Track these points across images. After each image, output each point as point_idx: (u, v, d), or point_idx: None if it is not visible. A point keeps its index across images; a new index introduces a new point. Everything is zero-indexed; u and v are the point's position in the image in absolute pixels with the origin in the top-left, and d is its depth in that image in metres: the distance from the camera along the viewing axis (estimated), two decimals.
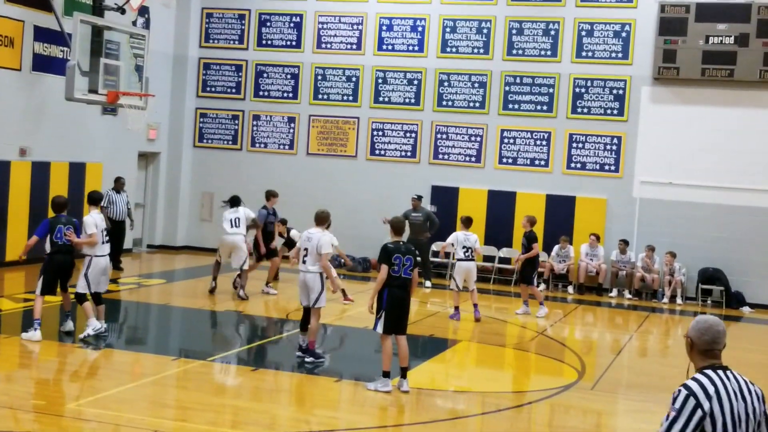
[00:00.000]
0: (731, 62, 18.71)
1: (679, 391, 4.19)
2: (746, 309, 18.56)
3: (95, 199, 12.12)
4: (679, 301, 18.77)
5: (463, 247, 15.15)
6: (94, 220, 11.69)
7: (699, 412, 4.09)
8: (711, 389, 4.13)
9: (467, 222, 15.44)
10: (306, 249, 11.01)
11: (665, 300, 18.76)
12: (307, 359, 10.96)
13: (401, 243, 10.13)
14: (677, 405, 4.13)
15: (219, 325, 13.65)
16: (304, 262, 11.00)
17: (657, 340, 15.62)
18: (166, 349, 12.22)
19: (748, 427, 4.16)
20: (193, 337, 13.28)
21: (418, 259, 10.27)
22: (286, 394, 10.18)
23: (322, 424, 8.79)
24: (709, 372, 4.21)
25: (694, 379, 4.21)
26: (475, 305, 15.14)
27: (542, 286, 19.42)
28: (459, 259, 15.28)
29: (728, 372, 4.25)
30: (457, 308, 15.12)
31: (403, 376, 9.94)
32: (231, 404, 9.33)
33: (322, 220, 11.37)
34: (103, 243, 11.74)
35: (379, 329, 9.89)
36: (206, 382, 10.20)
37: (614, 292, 19.25)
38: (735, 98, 19.01)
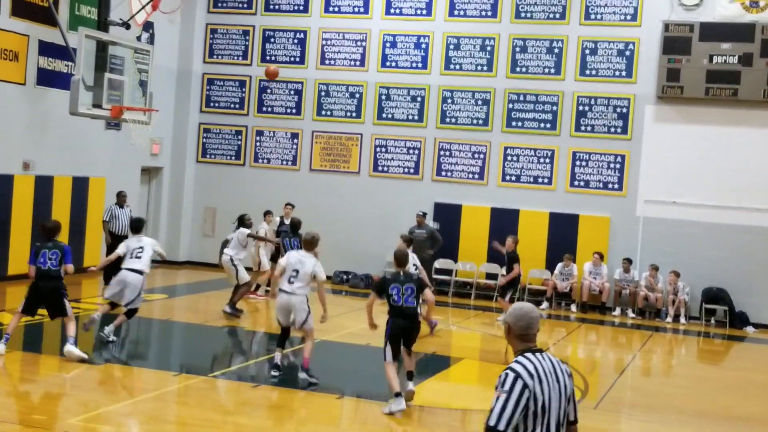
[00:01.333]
0: (735, 82, 18.71)
1: (506, 374, 4.49)
2: (750, 329, 18.49)
3: (137, 228, 13.01)
4: (682, 320, 18.69)
5: None
6: (125, 243, 12.73)
7: (526, 392, 4.43)
8: (532, 370, 4.49)
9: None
10: (296, 271, 10.83)
11: (669, 319, 18.69)
12: (301, 376, 10.82)
13: (400, 273, 10.24)
14: (506, 387, 4.44)
15: (220, 341, 13.59)
16: (290, 282, 10.83)
17: (660, 360, 15.54)
18: (167, 364, 12.17)
19: (560, 403, 4.55)
20: (195, 352, 13.23)
21: (422, 282, 10.40)
22: (288, 411, 10.12)
23: None
24: (528, 355, 4.56)
25: (517, 362, 4.55)
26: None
27: (545, 305, 19.39)
28: None
29: (543, 354, 4.61)
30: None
31: (409, 378, 10.05)
32: (232, 421, 9.27)
33: (314, 244, 11.13)
34: (131, 258, 12.27)
35: (387, 357, 9.90)
36: (207, 398, 10.14)
37: (617, 311, 19.18)
38: (739, 117, 19.00)
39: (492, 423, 4.38)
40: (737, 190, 18.96)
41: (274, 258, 17.43)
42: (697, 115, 19.26)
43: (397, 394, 9.74)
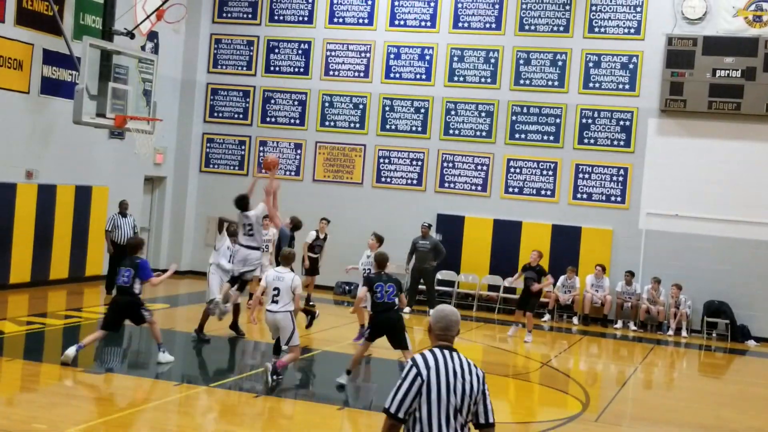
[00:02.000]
0: (738, 96, 18.73)
1: (407, 363, 4.92)
2: (751, 342, 18.46)
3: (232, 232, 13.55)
4: (684, 333, 18.67)
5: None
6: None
7: (418, 380, 4.79)
8: (431, 362, 4.84)
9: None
10: (278, 288, 11.10)
11: (670, 332, 18.66)
12: (268, 367, 10.95)
13: (383, 274, 11.42)
14: (403, 374, 4.85)
15: (222, 351, 13.58)
16: (275, 302, 11.06)
17: (662, 373, 15.51)
18: (168, 374, 12.15)
19: (464, 401, 4.82)
20: (196, 362, 13.22)
21: (403, 284, 11.93)
22: (289, 421, 10.10)
23: None
24: (435, 350, 4.93)
25: (421, 353, 4.93)
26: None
27: (546, 317, 19.37)
28: None
29: (453, 353, 4.93)
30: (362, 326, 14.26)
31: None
32: (233, 431, 9.26)
33: (290, 260, 11.64)
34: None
35: (362, 339, 11.60)
36: (208, 408, 10.13)
37: (619, 324, 19.16)
38: (742, 132, 19.01)
39: (386, 405, 4.82)
40: (740, 203, 18.96)
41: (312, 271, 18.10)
42: (700, 129, 19.27)
43: (348, 372, 11.16)
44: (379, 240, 15.40)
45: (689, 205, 19.25)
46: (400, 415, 4.79)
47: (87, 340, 11.51)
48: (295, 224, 17.02)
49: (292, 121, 21.88)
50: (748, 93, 18.69)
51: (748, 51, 18.74)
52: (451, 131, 20.80)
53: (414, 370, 4.83)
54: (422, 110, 20.98)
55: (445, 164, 20.82)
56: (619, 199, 19.77)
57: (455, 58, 20.77)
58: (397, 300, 11.31)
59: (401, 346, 11.32)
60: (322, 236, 18.24)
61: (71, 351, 11.19)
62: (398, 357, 12.28)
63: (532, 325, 16.06)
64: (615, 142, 19.84)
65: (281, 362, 11.00)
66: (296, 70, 21.87)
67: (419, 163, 21.00)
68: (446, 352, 4.92)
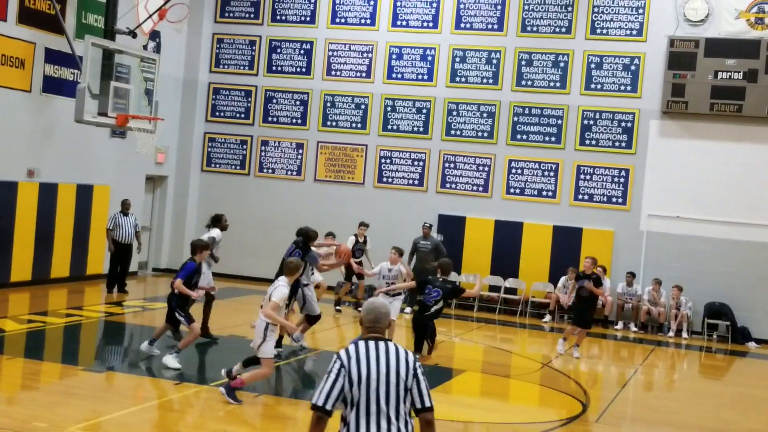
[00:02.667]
0: (740, 98, 18.73)
1: (333, 357, 5.04)
2: (752, 344, 18.46)
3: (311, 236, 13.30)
4: (684, 335, 18.67)
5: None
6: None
7: (342, 371, 4.93)
8: (352, 352, 4.96)
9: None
10: (269, 296, 10.51)
11: (671, 334, 18.66)
12: (222, 392, 10.23)
13: (441, 278, 12.67)
14: (329, 368, 4.99)
15: (222, 351, 13.58)
16: (261, 307, 10.62)
17: (662, 374, 15.50)
18: (169, 373, 12.16)
19: (390, 387, 4.91)
20: (196, 361, 13.22)
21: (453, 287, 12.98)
22: (289, 422, 10.11)
23: None
24: (360, 341, 5.05)
25: (346, 346, 5.10)
26: None
27: (547, 317, 19.38)
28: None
29: (381, 342, 5.03)
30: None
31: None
32: (233, 430, 9.26)
33: (294, 270, 10.86)
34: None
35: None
36: (208, 407, 10.13)
37: (620, 325, 19.16)
38: (743, 133, 19.01)
39: (312, 400, 4.96)
40: (741, 205, 18.96)
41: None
42: (702, 131, 19.27)
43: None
44: (400, 253, 15.66)
45: (690, 206, 19.25)
46: (327, 406, 4.91)
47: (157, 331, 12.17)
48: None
49: (294, 120, 21.89)
50: (749, 95, 18.68)
51: (750, 53, 18.74)
52: (452, 132, 20.80)
53: (337, 363, 4.97)
54: (424, 111, 20.99)
55: (446, 165, 20.82)
56: (620, 200, 19.77)
57: (457, 59, 20.78)
58: (435, 304, 12.39)
59: (415, 348, 12.03)
60: (361, 240, 18.37)
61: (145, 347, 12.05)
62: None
63: (583, 338, 15.48)
64: (616, 144, 19.84)
65: (240, 380, 10.24)
66: (298, 70, 21.88)
67: (421, 163, 21.00)
68: (372, 342, 5.02)
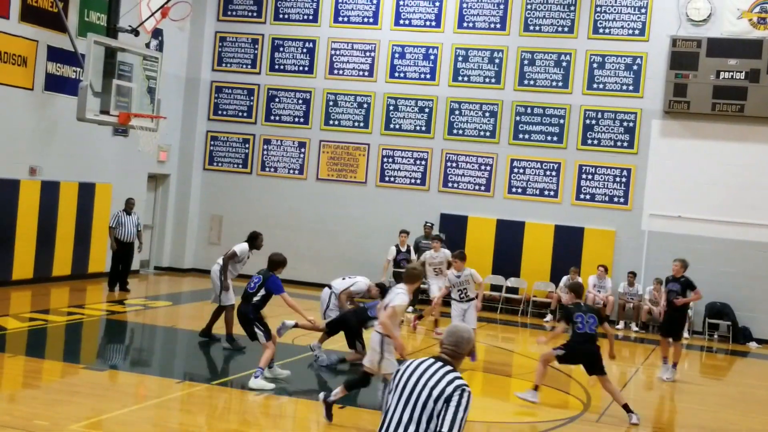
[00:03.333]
0: (742, 98, 18.72)
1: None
2: (753, 344, 18.46)
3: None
4: (685, 335, 18.64)
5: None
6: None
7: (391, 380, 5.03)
8: (405, 366, 5.00)
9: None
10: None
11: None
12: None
13: (581, 304, 11.68)
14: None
15: (224, 349, 13.59)
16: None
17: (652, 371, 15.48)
18: (170, 371, 12.19)
19: (417, 404, 4.81)
20: (198, 360, 13.24)
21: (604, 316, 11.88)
22: (290, 420, 10.12)
23: None
24: (423, 358, 5.05)
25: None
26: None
27: (549, 317, 19.38)
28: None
29: (429, 360, 4.97)
30: None
31: (627, 410, 10.89)
32: (234, 429, 9.27)
33: (413, 278, 9.97)
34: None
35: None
36: (210, 406, 10.15)
37: (621, 325, 19.16)
38: (745, 134, 19.00)
39: None
40: (742, 205, 18.96)
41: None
42: (704, 131, 19.26)
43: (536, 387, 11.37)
44: (463, 258, 14.24)
45: (692, 206, 19.25)
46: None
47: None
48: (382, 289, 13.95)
49: (297, 119, 21.89)
50: (752, 95, 18.67)
51: (752, 53, 18.73)
52: (455, 131, 20.80)
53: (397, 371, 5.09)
54: (426, 110, 20.99)
55: (448, 164, 20.82)
56: (622, 200, 19.77)
57: (459, 58, 20.77)
58: (596, 331, 11.48)
59: (598, 373, 11.31)
60: (403, 249, 18.17)
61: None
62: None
63: (680, 355, 14.23)
64: (618, 143, 19.83)
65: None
66: (301, 68, 21.88)
67: (423, 162, 21.00)
68: (431, 360, 4.99)
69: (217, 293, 13.47)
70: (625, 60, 19.80)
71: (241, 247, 13.47)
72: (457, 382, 4.88)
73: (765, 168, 18.93)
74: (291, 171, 21.86)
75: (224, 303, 13.31)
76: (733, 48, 18.86)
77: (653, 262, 19.38)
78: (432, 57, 20.96)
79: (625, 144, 19.78)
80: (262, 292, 11.22)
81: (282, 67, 22.01)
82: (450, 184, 20.79)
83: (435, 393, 4.82)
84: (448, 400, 4.80)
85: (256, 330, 11.13)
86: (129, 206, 18.08)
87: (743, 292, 18.83)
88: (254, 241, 13.58)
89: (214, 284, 13.59)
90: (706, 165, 19.22)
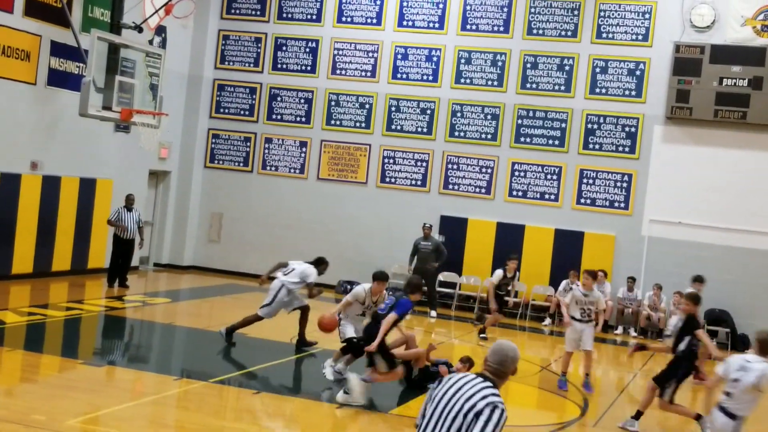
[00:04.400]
0: (744, 105, 18.72)
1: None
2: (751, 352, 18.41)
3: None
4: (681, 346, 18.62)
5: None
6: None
7: (429, 391, 5.02)
8: (445, 379, 4.94)
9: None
10: None
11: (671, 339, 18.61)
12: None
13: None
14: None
15: (222, 347, 13.59)
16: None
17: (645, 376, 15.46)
18: (168, 368, 12.18)
19: (446, 419, 4.74)
20: (196, 357, 13.23)
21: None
22: (288, 419, 10.11)
23: None
24: (462, 373, 5.04)
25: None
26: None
27: (547, 321, 19.37)
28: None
29: (472, 376, 4.90)
30: (564, 373, 13.13)
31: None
32: (231, 427, 9.27)
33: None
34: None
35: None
36: (207, 403, 10.14)
37: (620, 330, 19.15)
38: (747, 141, 19.00)
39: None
40: (743, 212, 18.95)
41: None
42: (706, 137, 19.26)
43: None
44: (594, 276, 13.37)
45: (693, 212, 19.24)
46: (417, 421, 4.99)
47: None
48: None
49: (298, 119, 21.89)
50: (754, 102, 18.67)
51: (755, 60, 18.73)
52: (456, 133, 20.80)
53: (431, 386, 5.07)
54: (428, 111, 20.99)
55: (449, 166, 20.82)
56: (622, 205, 19.76)
57: (462, 60, 20.77)
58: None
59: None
60: (510, 275, 16.76)
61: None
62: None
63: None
64: (620, 148, 19.83)
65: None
66: (303, 68, 21.88)
67: (424, 164, 21.00)
68: (472, 375, 4.92)
69: (292, 307, 13.44)
70: (628, 65, 19.80)
71: (307, 269, 13.27)
72: (491, 398, 4.76)
73: (766, 175, 18.92)
74: (292, 170, 21.86)
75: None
76: (736, 55, 18.86)
77: (653, 267, 19.37)
78: (435, 59, 20.96)
79: (627, 149, 19.78)
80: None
81: (284, 66, 22.01)
82: (451, 186, 20.79)
83: (466, 407, 4.73)
84: (478, 415, 4.70)
85: (376, 358, 10.61)
86: (129, 202, 18.07)
87: (743, 299, 18.82)
88: (321, 264, 13.48)
89: (279, 301, 13.26)
90: (708, 171, 19.22)
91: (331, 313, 11.54)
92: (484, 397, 4.74)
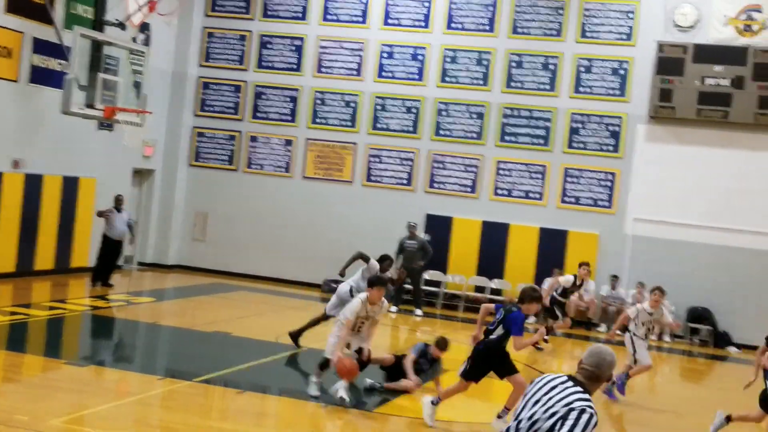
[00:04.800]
0: (727, 104, 18.82)
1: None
2: (733, 349, 18.56)
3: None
4: (666, 338, 18.75)
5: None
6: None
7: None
8: (538, 379, 4.86)
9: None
10: None
11: (653, 337, 18.70)
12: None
13: None
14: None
15: (207, 346, 13.56)
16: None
17: (644, 378, 15.54)
18: (152, 368, 12.13)
19: (533, 417, 4.67)
20: (180, 357, 13.19)
21: None
22: (272, 419, 10.10)
23: None
24: (557, 373, 4.87)
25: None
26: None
27: (532, 319, 19.39)
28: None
29: (565, 378, 4.78)
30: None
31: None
32: (216, 426, 9.25)
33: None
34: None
35: None
36: (191, 403, 10.11)
37: (603, 328, 19.22)
38: (730, 140, 19.11)
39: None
40: (726, 211, 19.06)
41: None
42: (689, 136, 19.35)
43: None
44: (663, 293, 13.10)
45: (676, 211, 19.33)
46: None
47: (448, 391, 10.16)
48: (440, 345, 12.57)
49: (284, 117, 21.85)
50: (736, 101, 18.78)
51: (737, 60, 18.84)
52: (441, 132, 20.82)
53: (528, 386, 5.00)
54: (414, 110, 20.99)
55: (435, 165, 20.84)
56: (606, 203, 19.84)
57: (448, 59, 20.79)
58: None
59: None
60: (578, 283, 16.36)
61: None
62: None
63: None
64: (604, 147, 19.90)
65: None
66: (288, 66, 21.84)
67: (409, 162, 21.01)
68: (564, 377, 4.79)
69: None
70: (611, 64, 19.87)
71: (370, 266, 12.92)
72: (579, 404, 4.61)
73: (749, 175, 19.04)
74: (277, 169, 21.81)
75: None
76: (718, 54, 18.96)
77: (636, 266, 19.45)
78: (420, 57, 20.97)
79: (611, 148, 19.85)
80: (500, 330, 9.61)
81: (270, 64, 21.96)
82: (436, 185, 20.81)
83: (552, 410, 4.63)
84: (564, 418, 4.59)
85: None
86: (118, 203, 17.89)
87: (724, 297, 18.93)
88: (383, 263, 13.14)
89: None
90: (691, 171, 19.32)
91: (348, 358, 10.48)
92: (570, 403, 4.62)
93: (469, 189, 20.62)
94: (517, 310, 9.50)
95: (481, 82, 20.61)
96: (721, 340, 18.76)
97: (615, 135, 19.85)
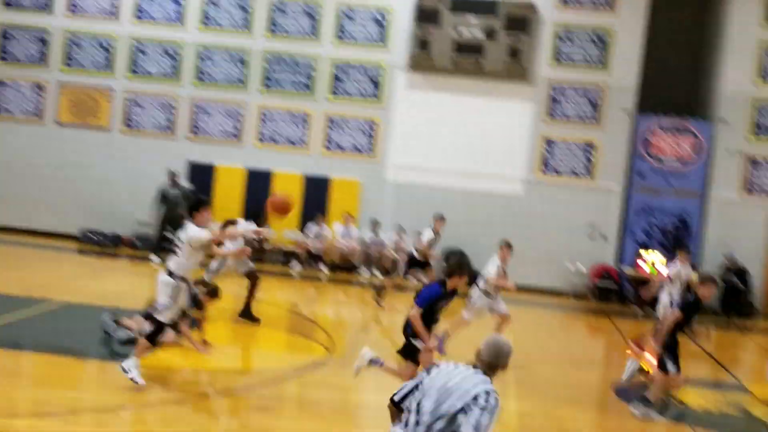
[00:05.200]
0: (480, 54, 19.68)
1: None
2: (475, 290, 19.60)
3: None
4: (424, 279, 19.58)
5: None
6: None
7: (418, 380, 5.23)
8: (435, 369, 5.20)
9: None
10: None
11: (410, 277, 19.48)
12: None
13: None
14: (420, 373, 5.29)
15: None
16: None
17: (393, 316, 16.17)
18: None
19: (437, 408, 5.00)
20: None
21: None
22: (26, 377, 9.68)
23: (62, 405, 8.45)
24: (456, 363, 5.25)
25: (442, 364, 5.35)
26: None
27: (296, 265, 19.66)
28: None
29: (468, 369, 5.17)
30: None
31: None
32: (189, 415, 8.73)
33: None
34: None
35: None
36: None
37: (365, 271, 19.78)
38: (483, 88, 20.01)
39: (393, 395, 5.31)
40: (480, 157, 20.02)
41: None
42: (446, 85, 20.10)
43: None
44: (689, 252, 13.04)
45: (434, 158, 20.10)
46: (396, 398, 5.25)
47: None
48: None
49: (33, 59, 20.61)
50: (489, 52, 19.68)
51: (490, 11, 19.69)
52: (204, 77, 20.42)
53: (420, 374, 5.25)
54: (175, 55, 20.43)
55: (197, 111, 20.45)
56: (368, 151, 20.30)
57: (209, 2, 20.35)
58: None
59: None
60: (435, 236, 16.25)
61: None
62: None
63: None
64: (366, 95, 20.29)
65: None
66: (39, 4, 20.57)
67: (171, 109, 20.49)
68: (462, 366, 5.17)
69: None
70: (373, 14, 20.20)
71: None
72: (486, 386, 5.03)
73: (502, 122, 20.06)
74: (27, 114, 20.61)
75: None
76: (473, 6, 19.73)
77: (396, 211, 20.09)
78: (180, 1, 20.38)
79: (372, 96, 20.27)
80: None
81: (18, 2, 20.59)
82: (198, 132, 20.45)
83: (461, 393, 4.98)
84: (475, 399, 4.98)
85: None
86: None
87: (478, 239, 19.94)
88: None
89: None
90: (448, 118, 20.10)
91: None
92: (476, 385, 5.03)
93: (232, 136, 20.43)
94: (434, 283, 9.10)
95: (243, 27, 20.36)
96: (472, 280, 19.75)
97: (376, 83, 20.28)
